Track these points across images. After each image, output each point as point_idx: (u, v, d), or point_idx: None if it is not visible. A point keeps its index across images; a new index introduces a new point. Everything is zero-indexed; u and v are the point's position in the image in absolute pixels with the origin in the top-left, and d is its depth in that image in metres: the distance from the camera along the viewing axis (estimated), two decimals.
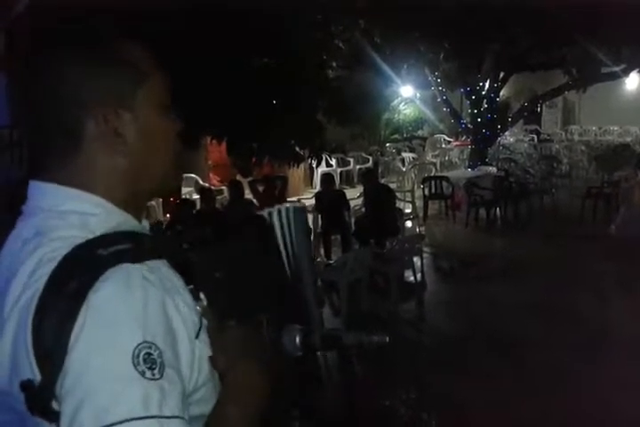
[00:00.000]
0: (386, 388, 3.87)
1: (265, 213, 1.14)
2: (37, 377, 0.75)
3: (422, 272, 6.98)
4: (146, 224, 0.98)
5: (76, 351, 0.73)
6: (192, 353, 0.83)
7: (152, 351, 0.74)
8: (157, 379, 0.74)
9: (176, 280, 0.85)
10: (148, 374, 0.73)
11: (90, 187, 0.87)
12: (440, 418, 3.56)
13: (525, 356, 4.76)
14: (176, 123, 0.96)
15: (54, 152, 0.89)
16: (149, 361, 0.74)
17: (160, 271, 0.82)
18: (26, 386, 0.75)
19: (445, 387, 4.20)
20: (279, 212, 1.14)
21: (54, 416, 0.74)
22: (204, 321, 0.87)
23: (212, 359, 0.87)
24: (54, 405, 0.74)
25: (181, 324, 0.81)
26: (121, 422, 0.70)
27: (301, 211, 1.20)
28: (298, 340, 0.99)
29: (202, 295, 0.91)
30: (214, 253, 1.01)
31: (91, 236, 0.81)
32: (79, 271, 0.77)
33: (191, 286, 0.89)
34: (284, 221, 1.14)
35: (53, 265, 0.78)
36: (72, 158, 0.88)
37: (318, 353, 1.12)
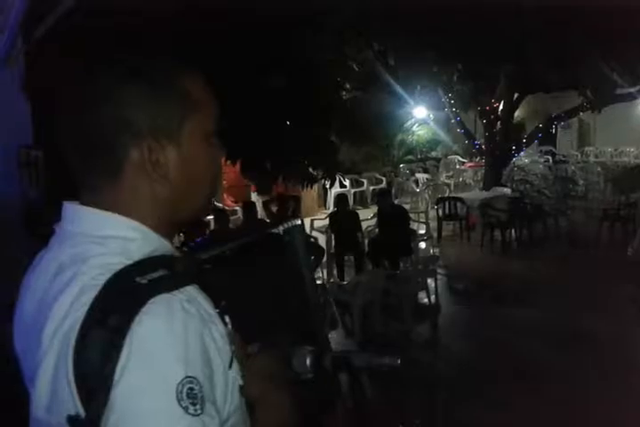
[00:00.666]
0: (399, 411, 3.81)
1: (280, 230, 1.12)
2: (80, 410, 0.75)
3: (436, 294, 6.90)
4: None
5: (120, 387, 0.73)
6: (225, 383, 0.83)
7: (194, 386, 0.75)
8: (199, 414, 0.74)
9: (210, 308, 0.84)
10: (191, 409, 0.74)
11: (127, 212, 0.87)
12: None
13: (541, 380, 4.66)
14: (220, 149, 0.95)
15: (94, 175, 0.87)
16: (192, 396, 0.74)
17: (197, 300, 0.81)
18: (72, 420, 0.76)
19: (459, 411, 4.12)
20: (291, 229, 1.13)
21: None
22: (234, 349, 0.87)
23: (244, 389, 0.87)
24: None
25: (217, 354, 0.81)
26: None
27: (301, 227, 1.19)
28: (308, 361, 0.97)
29: (227, 319, 0.90)
30: (234, 274, 1.00)
31: (129, 262, 0.81)
32: (120, 302, 0.77)
33: (217, 311, 0.88)
34: (295, 238, 1.13)
35: (94, 294, 0.77)
36: (111, 184, 0.87)
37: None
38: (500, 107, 12.92)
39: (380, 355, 0.95)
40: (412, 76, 11.45)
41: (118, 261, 0.80)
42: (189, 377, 0.74)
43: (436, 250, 9.46)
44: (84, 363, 0.75)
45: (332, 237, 8.11)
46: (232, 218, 8.92)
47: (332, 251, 8.02)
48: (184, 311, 0.77)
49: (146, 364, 0.74)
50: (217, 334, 0.82)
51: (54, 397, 0.78)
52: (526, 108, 16.11)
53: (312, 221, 9.52)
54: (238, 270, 1.02)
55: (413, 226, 8.83)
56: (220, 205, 10.61)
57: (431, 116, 15.89)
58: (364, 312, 5.75)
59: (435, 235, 10.04)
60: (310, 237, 8.57)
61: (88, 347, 0.75)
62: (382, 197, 8.31)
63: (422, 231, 9.52)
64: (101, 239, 0.84)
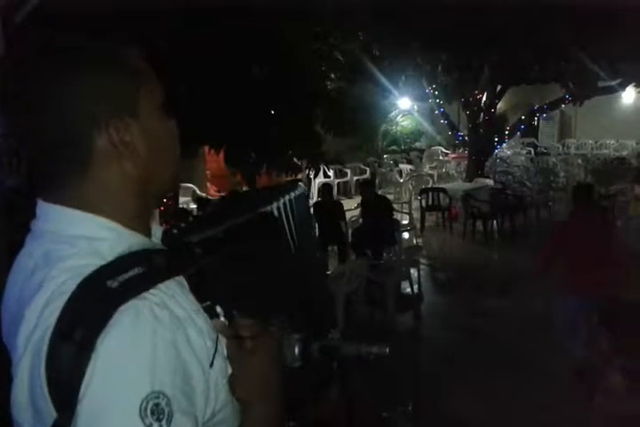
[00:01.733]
0: (383, 400, 3.85)
1: (271, 208, 1.11)
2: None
3: (419, 284, 6.96)
4: (157, 231, 0.95)
5: (84, 404, 0.73)
6: (206, 382, 0.82)
7: (160, 401, 0.74)
8: None
9: (189, 304, 0.83)
10: (156, 426, 0.73)
11: (99, 207, 0.85)
12: None
13: (524, 368, 4.73)
14: (174, 121, 0.94)
15: (62, 169, 0.85)
16: (157, 412, 0.73)
17: (172, 300, 0.80)
18: None
19: (442, 399, 4.17)
20: (284, 205, 1.12)
21: None
22: (220, 346, 0.86)
23: (235, 388, 0.87)
24: None
25: (194, 357, 0.80)
26: None
27: (303, 197, 1.17)
28: (297, 350, 0.97)
29: (219, 309, 0.89)
30: (226, 258, 0.99)
31: (103, 262, 0.79)
32: (87, 313, 0.75)
33: (207, 303, 0.87)
34: (289, 214, 1.12)
35: (63, 301, 0.76)
36: (80, 176, 0.85)
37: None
38: (484, 98, 12.97)
39: (368, 344, 0.96)
40: (397, 67, 11.45)
41: (89, 263, 0.79)
42: (155, 392, 0.73)
43: (419, 240, 9.51)
44: (55, 376, 0.74)
45: (316, 226, 8.11)
46: None
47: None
48: (154, 319, 0.76)
49: (110, 381, 0.73)
50: (194, 333, 0.80)
51: (35, 407, 0.77)
52: (509, 99, 16.18)
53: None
54: (231, 255, 1.02)
55: (397, 216, 8.87)
56: (204, 194, 10.56)
57: (415, 107, 15.90)
58: (348, 302, 5.78)
59: (418, 225, 10.09)
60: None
61: (56, 361, 0.74)
62: (366, 188, 8.33)
63: (405, 222, 9.57)
64: (71, 239, 0.82)
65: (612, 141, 18.23)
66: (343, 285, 5.79)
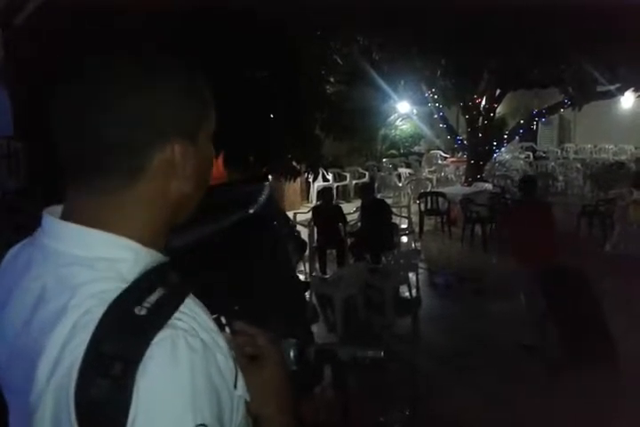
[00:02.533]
0: (380, 404, 3.84)
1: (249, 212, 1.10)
2: None
3: (417, 288, 6.95)
4: None
5: None
6: (231, 402, 0.81)
7: None
8: None
9: (209, 322, 0.81)
10: None
11: (118, 225, 0.81)
12: None
13: (523, 372, 4.72)
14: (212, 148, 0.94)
15: (106, 177, 0.81)
16: None
17: (196, 322, 0.78)
18: None
19: (440, 403, 4.16)
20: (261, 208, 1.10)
21: None
22: (236, 363, 0.85)
23: (248, 404, 0.86)
24: None
25: (223, 382, 0.79)
26: None
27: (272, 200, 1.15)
28: (292, 354, 0.97)
29: (223, 320, 0.89)
30: (210, 263, 0.99)
31: (124, 285, 0.76)
32: (121, 346, 0.72)
33: (215, 316, 0.86)
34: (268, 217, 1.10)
35: (90, 331, 0.73)
36: (123, 186, 0.82)
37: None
38: (483, 102, 12.98)
39: (363, 348, 0.95)
40: (396, 71, 11.46)
41: (112, 287, 0.76)
42: (198, 425, 0.73)
43: (418, 244, 9.51)
44: (89, 412, 0.71)
45: (315, 231, 8.11)
46: None
47: (315, 244, 8.03)
48: (189, 349, 0.74)
49: (154, 418, 0.71)
50: (221, 357, 0.79)
51: None
52: (508, 104, 16.21)
53: (295, 214, 9.51)
54: (215, 259, 1.01)
55: (395, 220, 8.87)
56: None
57: (414, 111, 15.92)
58: (346, 306, 5.77)
59: (416, 229, 10.09)
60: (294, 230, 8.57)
61: (90, 396, 0.71)
62: (365, 191, 8.34)
63: (404, 226, 9.56)
64: (90, 261, 0.78)
65: (611, 146, 18.24)
66: (341, 289, 5.79)
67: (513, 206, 6.82)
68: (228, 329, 0.89)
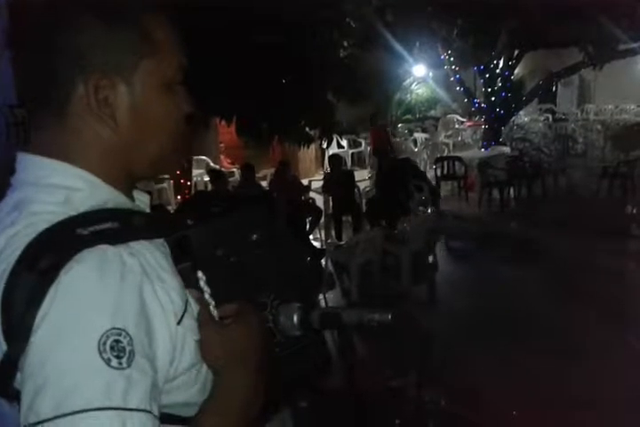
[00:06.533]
0: (395, 369, 3.85)
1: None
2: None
3: (434, 253, 6.92)
4: (145, 198, 0.92)
5: (40, 332, 0.69)
6: (171, 340, 0.77)
7: (121, 339, 0.70)
8: (124, 368, 0.69)
9: (162, 266, 0.79)
10: (114, 362, 0.69)
11: (75, 159, 0.82)
12: (450, 399, 3.54)
13: (540, 338, 4.70)
14: (183, 106, 0.89)
15: (41, 112, 0.84)
16: (117, 349, 0.69)
17: (144, 256, 0.77)
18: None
19: (456, 369, 4.17)
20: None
21: (16, 396, 0.71)
22: (191, 307, 0.82)
23: (205, 355, 0.82)
24: (16, 384, 0.71)
25: (160, 310, 0.76)
26: (79, 412, 0.66)
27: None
28: (296, 319, 0.94)
29: (200, 274, 0.86)
30: (216, 230, 0.96)
31: (73, 213, 0.76)
32: (54, 249, 0.72)
33: (187, 264, 0.85)
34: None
35: (28, 240, 0.73)
36: (57, 122, 0.82)
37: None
38: (500, 64, 12.69)
39: (370, 311, 0.92)
40: (411, 33, 11.21)
41: (61, 211, 0.76)
42: (117, 329, 0.69)
43: (435, 209, 9.43)
44: (10, 307, 0.71)
45: (330, 197, 8.08)
46: (230, 180, 8.89)
47: (330, 211, 8.01)
48: (122, 264, 0.73)
49: (69, 311, 0.69)
50: (162, 291, 0.77)
51: None
52: (526, 65, 15.81)
53: (310, 182, 9.48)
54: (225, 227, 0.98)
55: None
56: (217, 166, 10.54)
57: (430, 74, 15.62)
58: (362, 272, 5.77)
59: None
60: (309, 198, 8.56)
61: (14, 290, 0.71)
62: (382, 151, 8.27)
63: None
64: (46, 188, 0.80)
65: (633, 106, 17.78)
66: (357, 255, 5.77)
67: None
68: (203, 283, 0.87)
